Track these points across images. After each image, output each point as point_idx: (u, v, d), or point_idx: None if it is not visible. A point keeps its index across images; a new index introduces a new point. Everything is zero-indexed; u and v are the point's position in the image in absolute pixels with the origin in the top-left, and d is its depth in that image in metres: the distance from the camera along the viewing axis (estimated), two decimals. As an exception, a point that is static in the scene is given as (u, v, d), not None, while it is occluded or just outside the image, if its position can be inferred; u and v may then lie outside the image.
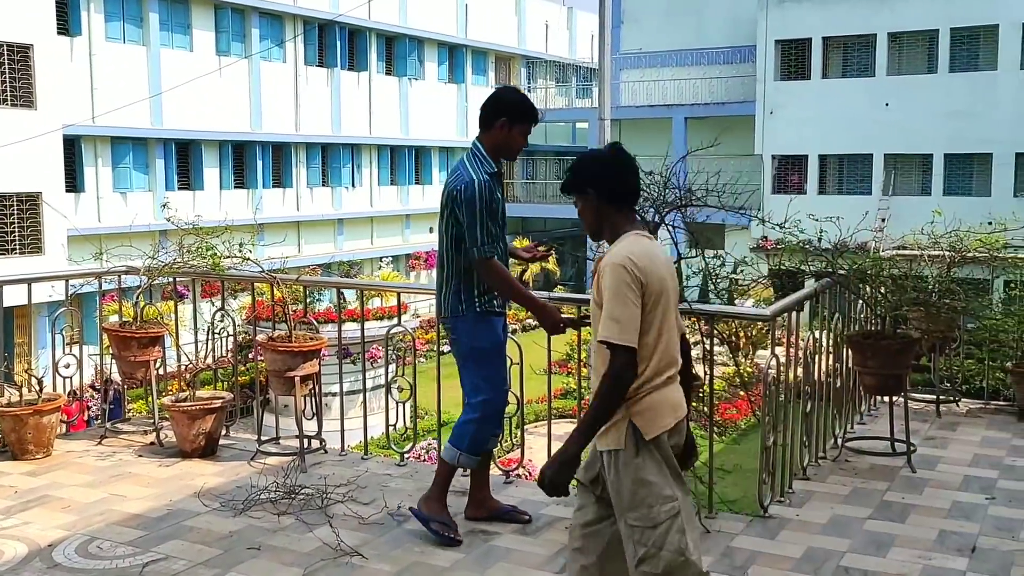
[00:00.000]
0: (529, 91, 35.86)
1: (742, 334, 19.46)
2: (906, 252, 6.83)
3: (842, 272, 5.34)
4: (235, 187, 26.04)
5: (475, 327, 4.31)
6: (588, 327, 3.97)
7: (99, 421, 6.35)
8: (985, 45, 24.86)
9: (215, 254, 5.40)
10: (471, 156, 4.28)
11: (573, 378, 17.72)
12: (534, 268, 30.82)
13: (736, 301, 7.26)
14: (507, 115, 4.26)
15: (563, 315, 4.36)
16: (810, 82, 26.89)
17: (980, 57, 25.03)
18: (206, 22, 25.14)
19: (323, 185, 28.86)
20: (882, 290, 5.44)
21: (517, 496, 4.89)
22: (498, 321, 4.37)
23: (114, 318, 6.22)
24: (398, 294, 6.40)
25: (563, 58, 37.23)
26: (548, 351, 4.99)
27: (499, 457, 5.36)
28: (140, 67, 23.46)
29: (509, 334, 4.56)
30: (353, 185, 29.64)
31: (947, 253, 6.40)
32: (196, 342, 5.98)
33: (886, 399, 5.79)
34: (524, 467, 5.50)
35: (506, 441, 5.30)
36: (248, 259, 5.37)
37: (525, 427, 5.57)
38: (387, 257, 28.71)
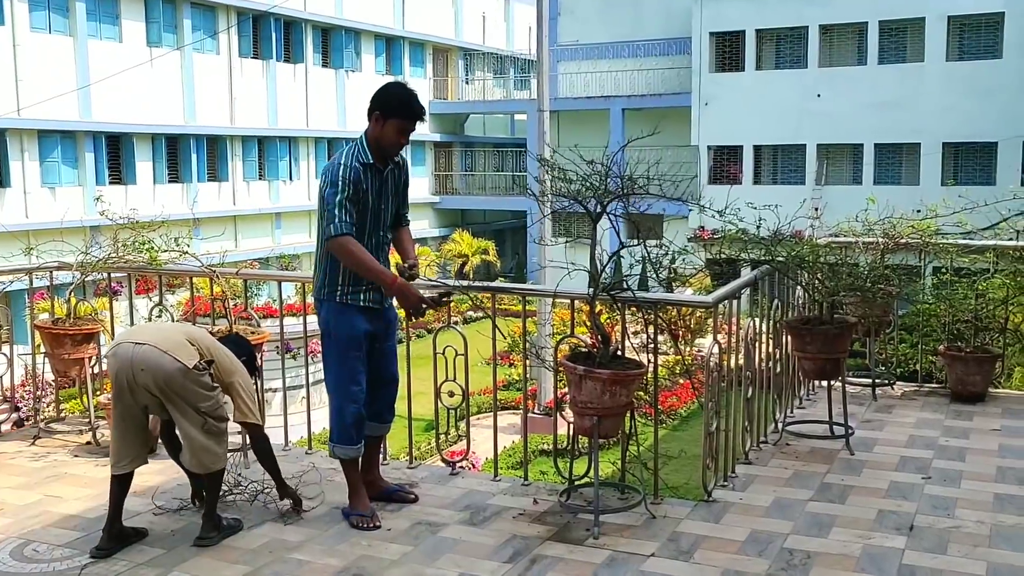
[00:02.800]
0: (467, 83, 35.80)
1: (682, 323, 19.73)
2: (840, 240, 6.97)
3: (781, 259, 5.42)
4: (169, 181, 25.49)
5: (334, 316, 4.34)
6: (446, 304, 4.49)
7: (30, 422, 6.17)
8: (912, 38, 25.49)
9: (151, 248, 5.28)
10: (352, 145, 4.28)
11: (516, 369, 17.76)
12: (475, 260, 30.81)
13: (676, 290, 7.34)
14: (380, 108, 4.23)
15: (427, 295, 4.35)
16: (744, 74, 27.29)
17: (908, 49, 25.66)
18: (136, 12, 24.54)
19: (260, 179, 28.41)
20: (819, 276, 5.54)
21: (463, 487, 4.89)
22: (359, 316, 4.32)
23: (46, 315, 6.04)
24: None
25: (501, 50, 37.18)
26: (493, 342, 4.98)
27: (443, 449, 5.35)
28: (67, 58, 22.82)
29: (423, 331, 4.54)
30: (291, 178, 29.24)
31: (881, 240, 6.54)
32: (132, 339, 5.82)
33: (824, 383, 5.91)
34: (468, 460, 5.50)
35: (450, 433, 5.29)
36: (186, 253, 5.26)
37: (469, 419, 5.56)
38: (326, 251, 28.32)
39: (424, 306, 4.28)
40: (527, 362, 6.02)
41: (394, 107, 4.23)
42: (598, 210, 4.34)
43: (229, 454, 5.24)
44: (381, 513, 4.49)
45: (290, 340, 10.46)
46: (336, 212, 4.12)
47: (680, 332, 20.10)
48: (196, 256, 5.31)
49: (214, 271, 5.24)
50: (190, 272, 5.43)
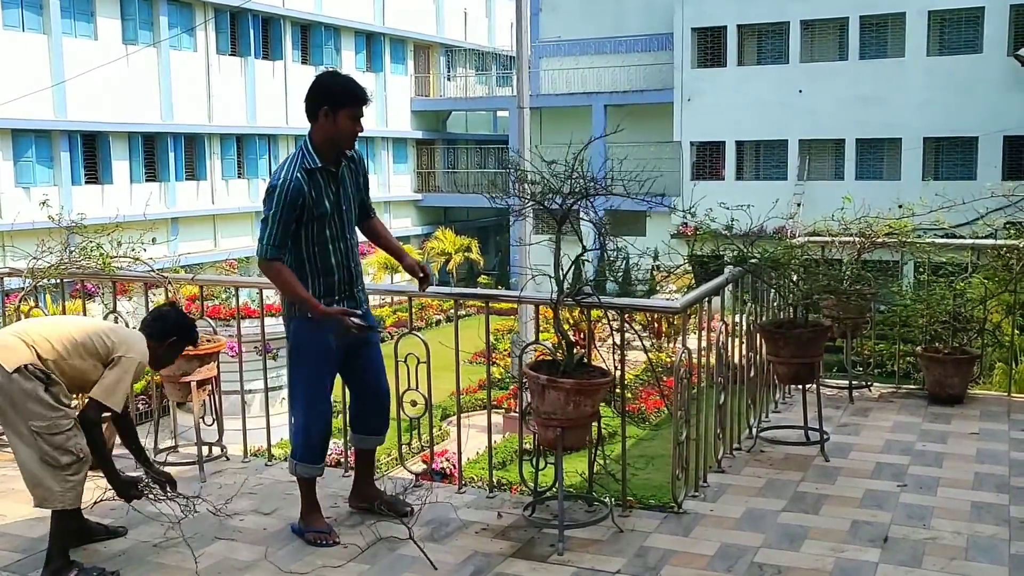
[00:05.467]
0: (449, 80, 35.58)
1: (664, 323, 19.60)
2: (817, 238, 6.83)
3: (753, 261, 5.27)
4: (146, 180, 25.20)
5: (306, 332, 4.13)
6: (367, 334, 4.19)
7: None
8: (893, 33, 25.47)
9: (102, 253, 5.08)
10: (295, 152, 4.10)
11: (497, 368, 17.59)
12: (457, 258, 30.63)
13: (658, 289, 7.22)
14: (327, 102, 4.04)
15: (355, 320, 4.03)
16: (726, 69, 27.22)
17: (888, 44, 25.66)
18: (111, 9, 24.23)
19: (239, 177, 28.15)
20: (794, 278, 5.40)
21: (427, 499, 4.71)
22: (327, 328, 4.11)
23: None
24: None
25: (482, 46, 36.98)
26: (456, 348, 4.82)
27: (409, 458, 5.18)
28: (41, 56, 22.50)
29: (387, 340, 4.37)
30: (270, 176, 28.97)
31: (857, 239, 6.41)
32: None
33: (800, 386, 5.77)
34: (448, 460, 5.32)
35: (415, 442, 5.13)
36: (138, 259, 5.07)
37: (450, 419, 5.41)
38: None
39: (354, 329, 4.02)
40: (490, 365, 5.87)
41: (341, 96, 4.04)
42: (562, 210, 4.19)
43: (184, 468, 5.09)
44: (340, 529, 4.33)
45: (269, 342, 10.26)
46: (266, 234, 3.96)
47: (663, 330, 20.01)
48: (147, 261, 5.11)
49: (166, 277, 5.06)
50: (142, 278, 5.24)
